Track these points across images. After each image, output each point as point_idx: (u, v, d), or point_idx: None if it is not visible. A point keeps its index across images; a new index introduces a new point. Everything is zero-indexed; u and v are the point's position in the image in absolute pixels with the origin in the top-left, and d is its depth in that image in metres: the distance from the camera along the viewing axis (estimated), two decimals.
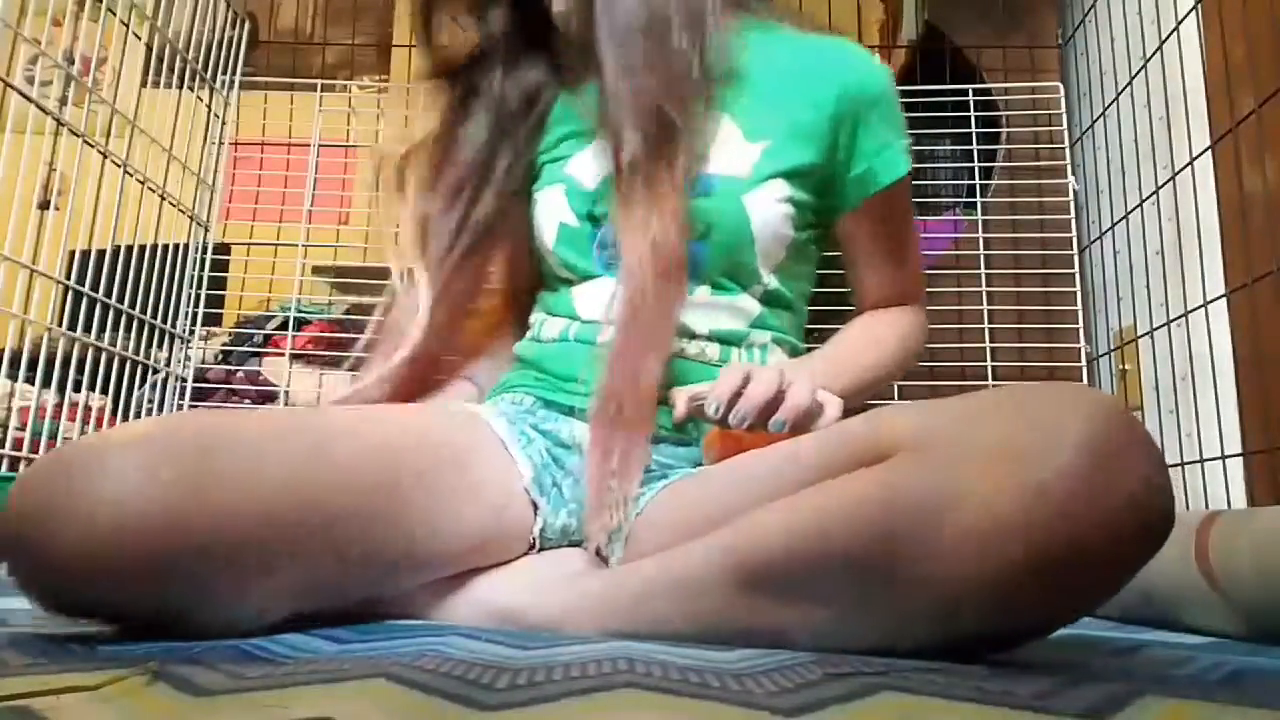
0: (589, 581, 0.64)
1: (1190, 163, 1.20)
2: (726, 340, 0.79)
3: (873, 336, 0.85)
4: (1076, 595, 0.45)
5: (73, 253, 1.27)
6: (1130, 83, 1.42)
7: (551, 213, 0.83)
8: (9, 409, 1.25)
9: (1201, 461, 1.18)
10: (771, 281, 0.81)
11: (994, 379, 1.56)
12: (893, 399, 1.56)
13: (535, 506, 0.72)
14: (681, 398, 0.68)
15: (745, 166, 0.79)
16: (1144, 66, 1.37)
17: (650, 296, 0.71)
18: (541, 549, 0.72)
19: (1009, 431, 0.44)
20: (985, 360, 1.57)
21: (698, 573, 0.55)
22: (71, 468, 0.48)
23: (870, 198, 0.83)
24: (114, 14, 1.32)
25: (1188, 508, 1.22)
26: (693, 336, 0.78)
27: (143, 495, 0.47)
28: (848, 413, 0.68)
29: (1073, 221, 1.61)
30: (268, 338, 1.77)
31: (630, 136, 0.75)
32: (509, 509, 0.70)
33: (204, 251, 1.68)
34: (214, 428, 0.53)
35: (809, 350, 0.86)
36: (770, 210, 0.79)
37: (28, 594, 0.49)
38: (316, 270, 1.79)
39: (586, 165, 0.83)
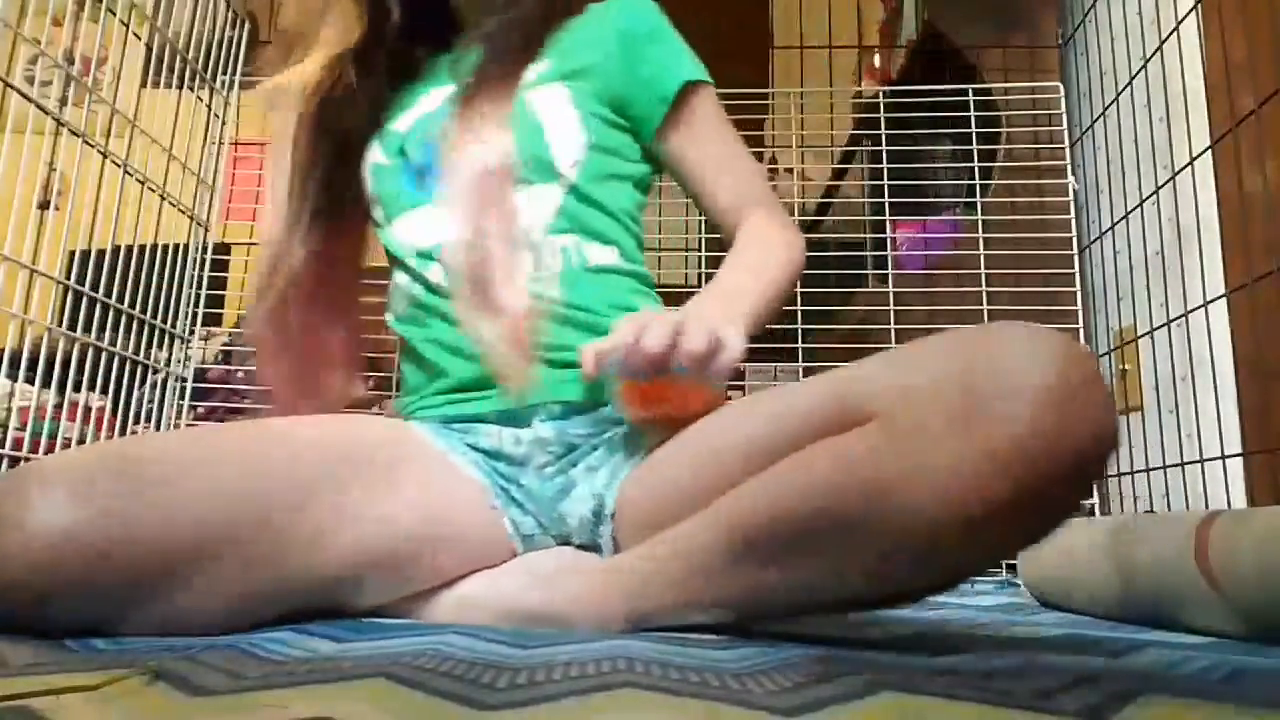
0: (594, 571, 0.64)
1: (1190, 163, 1.20)
2: (530, 244, 0.80)
3: (758, 258, 0.84)
4: (1034, 526, 0.49)
5: (73, 253, 1.27)
6: (1130, 83, 1.42)
7: (368, 161, 0.88)
8: (9, 409, 1.24)
9: (1201, 461, 1.18)
10: (573, 175, 0.83)
11: None
12: None
13: (497, 509, 0.73)
14: (588, 355, 0.68)
15: (529, 77, 0.84)
16: (1144, 66, 1.37)
17: (489, 196, 0.75)
18: (527, 551, 0.73)
19: (963, 394, 0.47)
20: None
21: (698, 546, 0.57)
22: (5, 496, 0.51)
23: (671, 111, 0.87)
24: (114, 14, 1.32)
25: (1188, 508, 1.22)
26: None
27: (71, 522, 0.51)
28: (757, 340, 0.69)
29: (1073, 221, 1.61)
30: None
31: (493, 48, 0.84)
32: (474, 519, 0.71)
33: (204, 251, 1.68)
34: (137, 454, 0.56)
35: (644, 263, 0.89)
36: (555, 105, 0.83)
37: None
38: None
39: (405, 119, 0.87)
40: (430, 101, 0.87)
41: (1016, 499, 0.45)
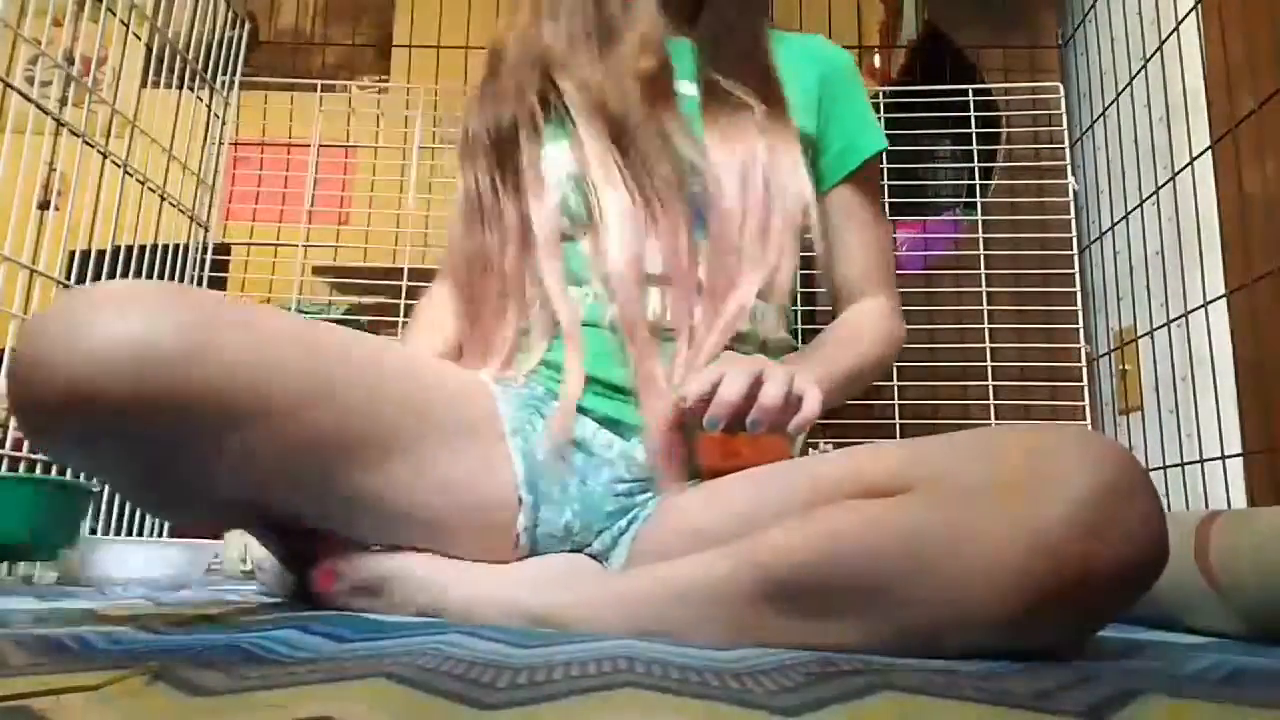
0: (618, 583, 0.64)
1: (1190, 163, 1.20)
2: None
3: (852, 335, 0.86)
4: (1077, 623, 0.48)
5: (73, 253, 1.27)
6: (1130, 83, 1.42)
7: (554, 167, 0.82)
8: (9, 409, 1.24)
9: (1201, 461, 1.18)
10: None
11: (994, 379, 1.56)
12: (892, 400, 1.56)
13: (521, 503, 0.71)
14: (672, 402, 0.68)
15: None
16: (1144, 66, 1.37)
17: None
18: (534, 548, 0.72)
19: (1019, 478, 0.47)
20: (985, 360, 1.57)
21: (723, 582, 0.56)
22: (96, 303, 0.52)
23: (854, 170, 0.88)
24: (114, 14, 1.32)
25: (1188, 508, 1.22)
26: None
27: (162, 329, 0.52)
28: (830, 413, 0.68)
29: (1073, 221, 1.61)
30: None
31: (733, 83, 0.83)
32: (492, 497, 0.70)
33: (204, 251, 1.68)
34: (227, 297, 0.59)
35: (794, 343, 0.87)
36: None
37: (26, 422, 0.53)
38: (316, 270, 1.79)
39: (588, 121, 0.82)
40: None
41: (1060, 585, 0.45)
